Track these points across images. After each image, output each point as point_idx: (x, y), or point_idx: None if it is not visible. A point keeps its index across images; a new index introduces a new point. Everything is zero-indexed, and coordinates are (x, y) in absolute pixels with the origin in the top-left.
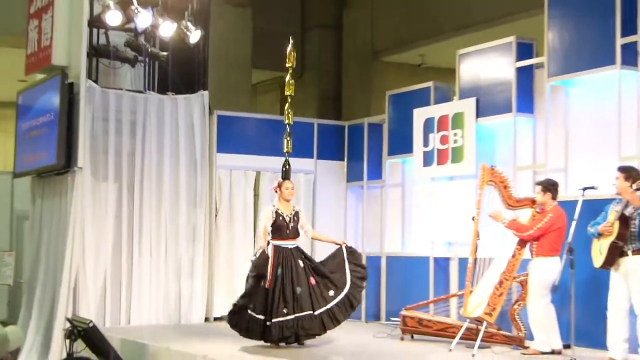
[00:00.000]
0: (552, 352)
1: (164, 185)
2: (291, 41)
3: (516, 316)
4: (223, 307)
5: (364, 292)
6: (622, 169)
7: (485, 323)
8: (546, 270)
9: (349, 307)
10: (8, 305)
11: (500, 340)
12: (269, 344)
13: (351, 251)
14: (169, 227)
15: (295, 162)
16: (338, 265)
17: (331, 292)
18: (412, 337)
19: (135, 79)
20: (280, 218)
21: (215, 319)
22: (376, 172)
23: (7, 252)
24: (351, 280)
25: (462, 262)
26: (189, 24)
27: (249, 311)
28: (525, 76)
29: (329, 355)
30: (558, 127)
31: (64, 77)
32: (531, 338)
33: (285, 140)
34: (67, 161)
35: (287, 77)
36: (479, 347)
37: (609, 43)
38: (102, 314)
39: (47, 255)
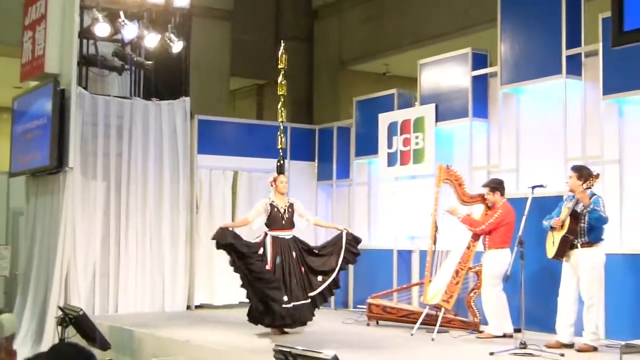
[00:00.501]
0: (504, 336)
1: (149, 184)
2: (282, 44)
3: (472, 303)
4: (203, 296)
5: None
6: (575, 169)
7: (443, 309)
8: (498, 261)
9: (333, 289)
10: (5, 295)
11: (457, 325)
12: (268, 329)
13: (353, 237)
14: (153, 223)
15: (270, 163)
16: (335, 249)
17: (319, 278)
18: (377, 323)
19: (122, 86)
20: (275, 210)
21: (196, 307)
22: (344, 172)
23: (4, 246)
24: (340, 264)
25: (423, 254)
26: (172, 35)
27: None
28: (480, 84)
29: (301, 340)
30: (510, 131)
31: (56, 84)
32: (485, 323)
33: (279, 137)
34: (59, 162)
35: (280, 78)
36: (438, 332)
37: (555, 54)
38: (91, 303)
39: (41, 249)
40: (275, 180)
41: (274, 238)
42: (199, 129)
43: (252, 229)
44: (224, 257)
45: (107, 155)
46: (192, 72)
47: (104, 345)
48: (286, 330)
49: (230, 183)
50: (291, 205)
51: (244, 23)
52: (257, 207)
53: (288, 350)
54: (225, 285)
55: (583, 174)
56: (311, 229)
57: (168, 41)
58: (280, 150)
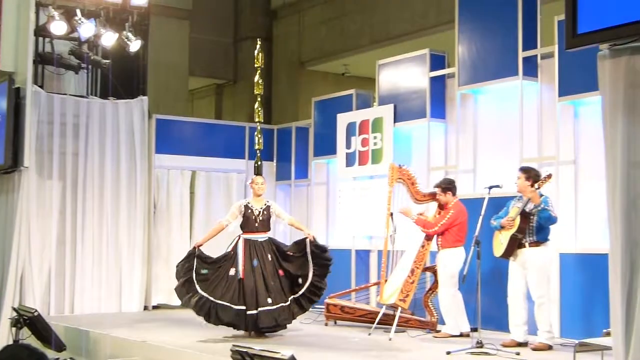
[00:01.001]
0: (461, 335)
1: (106, 183)
2: (259, 43)
3: (429, 303)
4: (160, 297)
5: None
6: (523, 170)
7: (400, 309)
8: (452, 260)
9: (314, 295)
10: None
11: (414, 324)
12: (241, 332)
13: (316, 246)
14: (110, 223)
15: (229, 163)
16: (301, 253)
17: (300, 281)
18: (335, 323)
19: (79, 85)
20: (249, 212)
21: (154, 307)
22: (303, 172)
23: None
24: (314, 268)
25: (381, 254)
26: (129, 34)
27: (224, 302)
28: (438, 85)
29: (259, 340)
30: (467, 132)
31: (11, 83)
32: (442, 322)
33: (257, 138)
34: (14, 161)
35: (256, 77)
36: (396, 332)
37: (512, 56)
38: (47, 304)
39: None
40: (252, 181)
41: (246, 241)
42: (157, 128)
43: (228, 232)
44: (181, 257)
45: (63, 155)
46: (150, 71)
47: (59, 347)
48: (267, 334)
49: (189, 183)
50: (267, 208)
51: (203, 22)
52: (233, 210)
53: (245, 350)
54: None
55: (531, 174)
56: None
57: (125, 40)
58: (258, 151)
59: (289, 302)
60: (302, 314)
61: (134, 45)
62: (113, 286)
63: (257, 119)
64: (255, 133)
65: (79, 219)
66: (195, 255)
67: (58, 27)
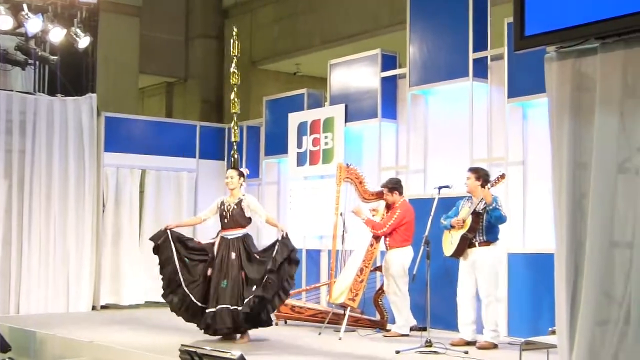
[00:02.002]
0: (411, 330)
1: (53, 182)
2: (235, 30)
3: (379, 302)
4: (109, 297)
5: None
6: (472, 170)
7: (349, 308)
8: (400, 259)
9: (258, 305)
10: None
11: (365, 324)
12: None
13: (284, 244)
14: (58, 221)
15: (179, 162)
16: (266, 258)
17: (253, 288)
18: (285, 322)
19: (26, 81)
20: (222, 207)
21: (102, 307)
22: (254, 171)
23: None
24: (269, 276)
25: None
26: (78, 30)
27: (191, 297)
28: (390, 85)
29: (209, 339)
30: (418, 132)
31: None
32: (393, 322)
33: (233, 130)
34: None
35: (232, 67)
36: (346, 331)
37: (462, 57)
38: None
39: None
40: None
41: (221, 238)
42: (106, 126)
43: (207, 226)
44: (130, 257)
45: (9, 152)
46: (100, 69)
47: (4, 347)
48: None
49: (138, 182)
50: (239, 203)
51: (153, 20)
52: (212, 205)
53: (194, 350)
54: (132, 285)
55: (480, 174)
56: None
57: (74, 36)
58: (235, 144)
59: (240, 307)
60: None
61: (83, 41)
62: (60, 286)
63: (232, 110)
64: (232, 125)
65: (26, 218)
66: (172, 238)
67: (4, 22)
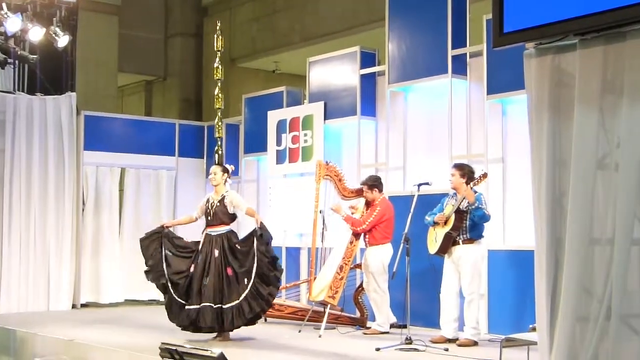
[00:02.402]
0: (391, 327)
1: (33, 180)
2: (218, 24)
3: (359, 299)
4: (89, 295)
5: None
6: (457, 167)
7: (329, 306)
8: (380, 256)
9: (255, 300)
10: None
11: (345, 321)
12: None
13: (260, 235)
14: (38, 220)
15: (159, 160)
16: (248, 247)
17: (245, 281)
18: (265, 320)
19: (5, 80)
20: (207, 204)
21: (82, 305)
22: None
23: None
24: (257, 270)
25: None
26: (57, 29)
27: (172, 292)
28: (369, 82)
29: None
30: (397, 129)
31: None
32: (373, 319)
33: (217, 126)
34: None
35: (216, 62)
36: (326, 328)
37: (441, 54)
38: None
39: None
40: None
41: (206, 235)
42: (86, 124)
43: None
44: (110, 255)
45: None
46: (79, 67)
47: None
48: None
49: (118, 180)
50: (222, 199)
51: (132, 18)
52: (201, 203)
53: (174, 348)
54: (112, 284)
55: (465, 171)
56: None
57: (53, 35)
58: (219, 140)
59: (225, 306)
60: (250, 322)
61: (62, 40)
62: (40, 285)
63: (217, 105)
64: (216, 120)
65: (5, 216)
66: (162, 235)
67: None
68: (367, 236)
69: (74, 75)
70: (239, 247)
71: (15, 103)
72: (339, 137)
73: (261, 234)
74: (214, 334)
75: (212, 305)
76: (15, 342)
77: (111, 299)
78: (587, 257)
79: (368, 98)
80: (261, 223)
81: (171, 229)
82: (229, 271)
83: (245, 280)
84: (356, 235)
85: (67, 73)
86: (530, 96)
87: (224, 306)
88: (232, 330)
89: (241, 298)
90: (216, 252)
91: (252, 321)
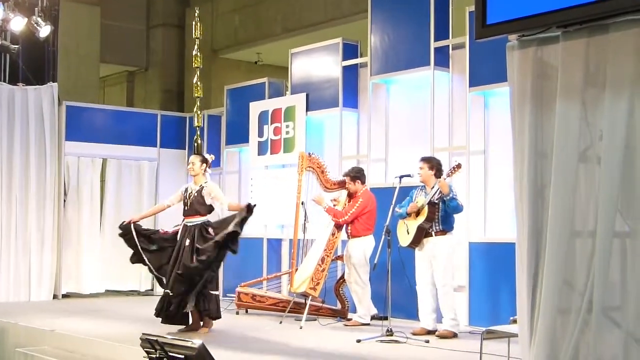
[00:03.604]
0: (372, 319)
1: (14, 170)
2: (197, 12)
3: (340, 291)
4: (70, 285)
5: None
6: (425, 160)
7: (310, 297)
8: (362, 248)
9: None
10: None
11: (326, 313)
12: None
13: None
14: (19, 210)
15: (140, 151)
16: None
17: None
18: (246, 311)
19: None
20: (185, 194)
21: (63, 296)
22: (215, 160)
23: None
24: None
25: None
26: (39, 19)
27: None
28: (351, 74)
29: (170, 329)
30: (379, 121)
31: None
32: (354, 311)
33: (196, 115)
34: None
35: (195, 50)
36: (307, 320)
37: (424, 46)
38: None
39: None
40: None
41: (183, 225)
42: (67, 115)
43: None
44: (92, 246)
45: None
46: (61, 58)
47: None
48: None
49: (99, 171)
50: (200, 190)
51: (114, 9)
52: (177, 192)
53: (155, 339)
54: (93, 274)
55: (433, 163)
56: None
57: (35, 25)
58: (198, 129)
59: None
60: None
61: (44, 30)
62: (22, 275)
63: (195, 94)
64: (195, 109)
65: None
66: (130, 230)
67: None
68: (349, 228)
69: (56, 65)
70: (209, 236)
71: None
72: (321, 128)
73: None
74: (184, 326)
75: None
76: None
77: (92, 290)
78: (569, 250)
79: (350, 90)
80: (247, 207)
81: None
82: (194, 261)
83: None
84: (338, 227)
85: (49, 63)
86: (512, 88)
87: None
88: (207, 322)
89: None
90: (187, 242)
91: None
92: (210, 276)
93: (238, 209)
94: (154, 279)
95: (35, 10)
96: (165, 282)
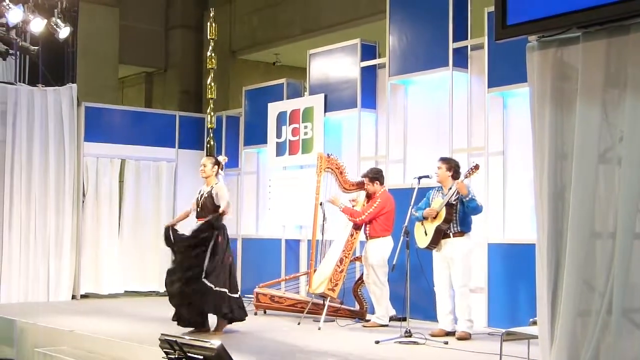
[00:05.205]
0: (390, 320)
1: (34, 171)
2: (211, 13)
3: (359, 292)
4: (89, 286)
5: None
6: (444, 160)
7: (329, 298)
8: (380, 249)
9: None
10: None
11: (344, 314)
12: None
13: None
14: (38, 211)
15: (158, 152)
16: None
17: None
18: (265, 312)
19: (7, 71)
20: (198, 197)
21: (82, 296)
22: (233, 161)
23: None
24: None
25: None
26: (58, 20)
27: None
28: (369, 75)
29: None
30: (398, 122)
31: None
32: (372, 312)
33: (209, 116)
34: None
35: (209, 51)
36: (325, 321)
37: (442, 47)
38: None
39: None
40: None
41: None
42: (86, 116)
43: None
44: (110, 246)
45: None
46: (80, 59)
47: None
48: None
49: (118, 171)
50: (209, 192)
51: (133, 10)
52: (195, 196)
53: (174, 339)
54: (112, 275)
55: (452, 164)
56: None
57: (54, 26)
58: (211, 130)
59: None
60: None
61: (63, 32)
62: (41, 275)
63: (209, 95)
64: (208, 111)
65: (6, 207)
66: (169, 234)
67: None
68: (367, 229)
69: (75, 66)
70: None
71: (16, 94)
72: (339, 129)
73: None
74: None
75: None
76: (14, 332)
77: (111, 290)
78: (589, 251)
79: (368, 90)
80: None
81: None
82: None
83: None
84: (356, 227)
85: (68, 64)
86: (532, 89)
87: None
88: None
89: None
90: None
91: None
92: (211, 268)
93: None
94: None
95: (55, 11)
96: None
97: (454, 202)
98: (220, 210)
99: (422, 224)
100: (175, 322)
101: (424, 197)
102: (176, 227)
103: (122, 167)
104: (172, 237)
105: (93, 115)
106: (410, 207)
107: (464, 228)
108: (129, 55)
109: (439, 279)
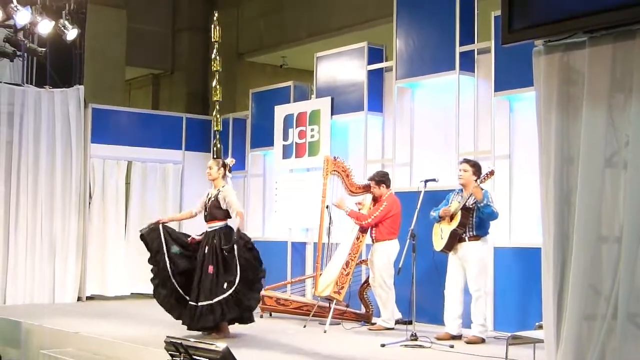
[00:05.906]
0: (396, 323)
1: (40, 173)
2: (216, 15)
3: (364, 295)
4: (94, 288)
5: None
6: (470, 163)
7: (335, 301)
8: (386, 252)
9: (235, 305)
10: None
11: (350, 317)
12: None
13: (240, 237)
14: (45, 212)
15: (165, 154)
16: (232, 256)
17: (225, 285)
18: (270, 315)
19: (14, 73)
20: (205, 200)
21: (88, 298)
22: (240, 164)
23: None
24: (241, 275)
25: (317, 246)
26: (66, 22)
27: (176, 285)
28: (376, 78)
29: (193, 332)
30: (404, 125)
31: None
32: (378, 315)
33: (215, 119)
34: None
35: (214, 54)
36: (331, 324)
37: (449, 51)
38: None
39: None
40: None
41: (205, 232)
42: (93, 117)
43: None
44: (116, 248)
45: None
46: (87, 61)
47: None
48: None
49: (124, 173)
50: (216, 196)
51: (140, 12)
52: (202, 198)
53: (179, 342)
54: (118, 277)
55: (477, 167)
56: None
57: (62, 28)
58: (217, 133)
59: (200, 304)
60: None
61: (71, 33)
62: (46, 277)
63: (215, 98)
64: (214, 113)
65: (13, 208)
66: (158, 230)
67: None
68: (373, 232)
69: (82, 68)
70: (225, 253)
71: (23, 95)
72: (345, 132)
73: (242, 240)
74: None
75: (211, 302)
76: (20, 333)
77: (117, 292)
78: (595, 255)
79: (375, 94)
80: (238, 230)
81: (169, 224)
82: (210, 269)
83: (226, 284)
84: (363, 230)
85: (76, 66)
86: (538, 93)
87: (197, 303)
88: (199, 330)
89: (215, 300)
90: (207, 249)
91: (219, 325)
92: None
93: (240, 226)
94: (160, 286)
95: (63, 13)
96: (183, 288)
97: (470, 206)
98: (237, 225)
99: (439, 226)
100: (181, 322)
101: (443, 199)
102: (174, 227)
103: (128, 169)
104: (163, 235)
105: (100, 117)
106: (417, 210)
107: (480, 232)
108: (136, 57)
109: (451, 283)
